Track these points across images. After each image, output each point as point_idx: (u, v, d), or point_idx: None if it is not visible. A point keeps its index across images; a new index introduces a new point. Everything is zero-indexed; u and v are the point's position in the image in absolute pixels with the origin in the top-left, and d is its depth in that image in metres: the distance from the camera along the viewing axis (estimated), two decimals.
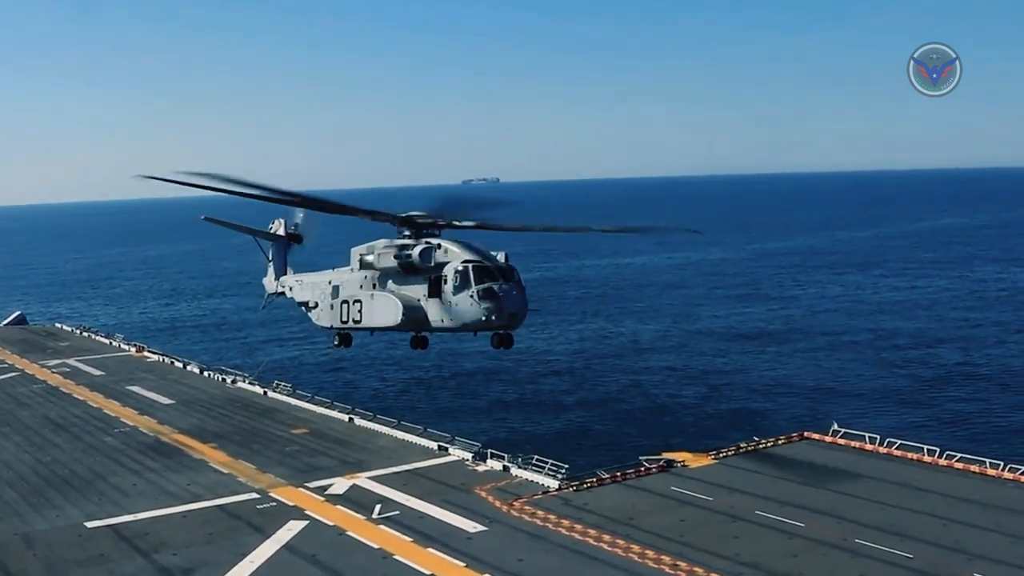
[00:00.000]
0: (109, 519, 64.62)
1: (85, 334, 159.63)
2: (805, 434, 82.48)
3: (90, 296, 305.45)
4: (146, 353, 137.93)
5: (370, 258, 57.09)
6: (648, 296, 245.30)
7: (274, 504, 67.03)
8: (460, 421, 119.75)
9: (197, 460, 79.41)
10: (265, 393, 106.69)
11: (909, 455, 75.14)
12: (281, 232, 69.95)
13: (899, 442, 76.81)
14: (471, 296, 50.07)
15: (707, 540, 58.20)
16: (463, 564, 54.88)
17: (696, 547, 56.84)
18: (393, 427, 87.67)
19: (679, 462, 75.23)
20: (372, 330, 59.45)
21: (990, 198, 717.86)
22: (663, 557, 55.03)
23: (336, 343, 62.08)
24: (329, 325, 61.36)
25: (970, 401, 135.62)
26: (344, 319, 58.74)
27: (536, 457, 73.96)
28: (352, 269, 60.24)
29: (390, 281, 56.13)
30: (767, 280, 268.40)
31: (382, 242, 57.30)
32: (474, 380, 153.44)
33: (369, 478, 72.54)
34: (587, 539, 58.58)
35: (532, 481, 70.76)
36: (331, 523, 62.73)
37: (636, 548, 56.52)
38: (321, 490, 69.84)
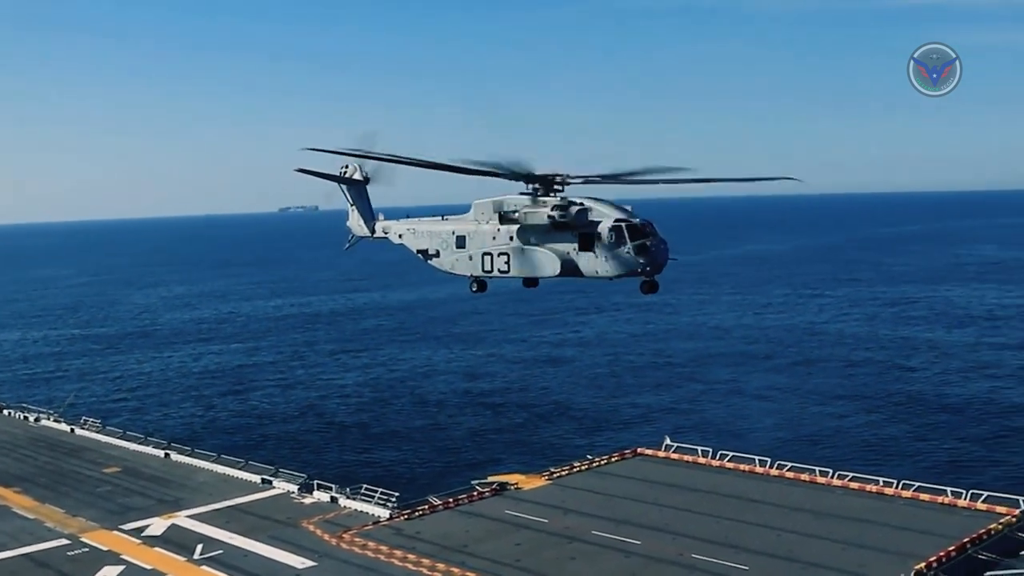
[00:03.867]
0: None
1: None
2: (638, 450, 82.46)
3: None
4: None
5: (516, 214, 60.43)
6: (461, 323, 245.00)
7: (86, 550, 63.15)
8: (284, 452, 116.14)
9: None
10: (72, 430, 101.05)
11: (741, 467, 75.84)
12: (358, 176, 70.80)
13: (731, 454, 77.39)
14: (627, 251, 55.70)
15: (544, 563, 57.19)
16: None
17: (533, 571, 55.80)
18: (213, 461, 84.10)
19: (512, 485, 74.03)
20: (527, 281, 62.88)
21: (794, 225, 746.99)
22: None
23: (475, 289, 64.49)
24: (469, 274, 63.99)
25: (796, 411, 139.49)
26: (487, 269, 62.74)
27: (365, 486, 71.89)
28: (477, 221, 63.32)
29: (534, 236, 59.68)
30: (566, 305, 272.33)
31: (523, 199, 60.28)
32: (297, 409, 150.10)
33: (189, 516, 69.26)
34: (421, 569, 56.75)
35: (362, 511, 68.68)
36: (149, 567, 59.43)
37: None
38: (137, 532, 66.25)
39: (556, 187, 59.45)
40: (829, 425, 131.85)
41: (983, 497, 64.82)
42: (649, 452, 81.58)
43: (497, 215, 61.93)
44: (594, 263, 57.34)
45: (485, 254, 62.84)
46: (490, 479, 75.41)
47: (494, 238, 62.33)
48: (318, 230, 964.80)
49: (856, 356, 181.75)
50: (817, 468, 72.65)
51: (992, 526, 59.95)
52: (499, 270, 62.26)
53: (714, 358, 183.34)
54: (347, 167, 70.32)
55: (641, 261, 55.77)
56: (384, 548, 60.38)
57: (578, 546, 59.76)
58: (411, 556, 58.61)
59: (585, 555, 58.22)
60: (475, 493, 72.06)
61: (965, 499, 65.14)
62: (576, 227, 57.69)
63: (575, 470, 77.91)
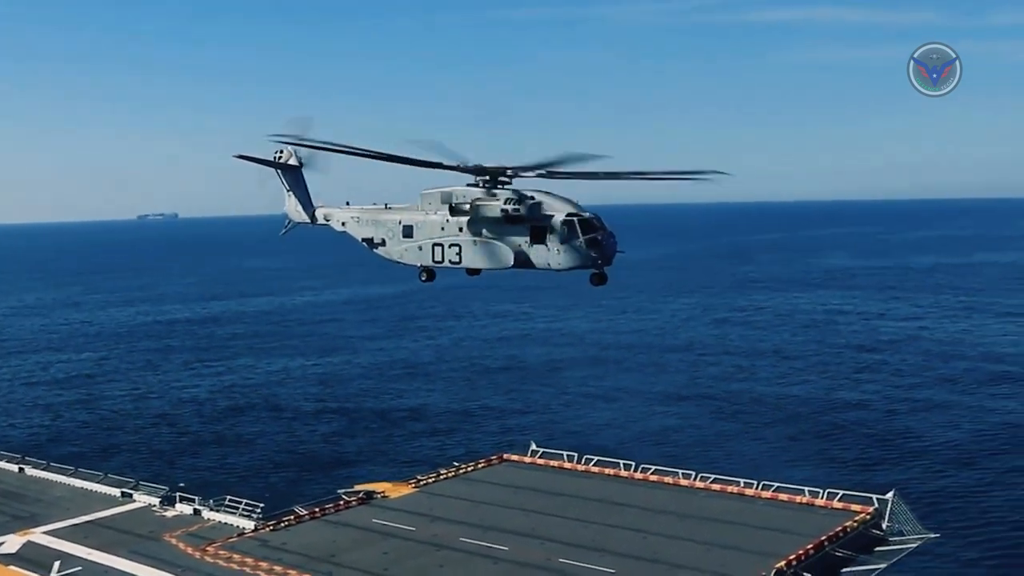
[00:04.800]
0: None
1: None
2: (505, 456, 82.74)
3: None
4: None
5: (467, 206, 61.06)
6: (319, 331, 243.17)
7: None
8: (144, 463, 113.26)
9: None
10: None
11: (606, 471, 76.74)
12: (293, 162, 70.55)
13: (596, 458, 78.27)
14: (579, 244, 57.41)
15: (412, 571, 57.01)
16: None
17: None
18: (70, 475, 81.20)
19: (379, 493, 73.52)
20: (471, 270, 63.63)
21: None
22: None
23: (424, 279, 65.65)
24: (418, 263, 64.93)
25: (660, 415, 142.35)
26: (437, 259, 63.69)
27: (229, 497, 70.43)
28: (425, 211, 64.01)
29: (485, 227, 60.70)
30: (425, 312, 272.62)
31: (473, 191, 61.03)
32: (152, 420, 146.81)
33: (45, 532, 66.73)
34: None
35: (226, 523, 67.20)
36: None
37: None
38: None
39: (504, 180, 60.60)
40: (683, 426, 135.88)
41: (839, 496, 67.03)
42: (515, 458, 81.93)
43: (447, 206, 62.56)
44: (546, 256, 59.00)
45: (435, 244, 63.76)
46: (356, 488, 74.71)
47: (443, 228, 63.19)
48: (177, 238, 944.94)
49: (704, 360, 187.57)
50: (680, 471, 74.10)
51: (848, 524, 62.11)
52: (450, 260, 63.35)
53: (574, 363, 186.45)
54: (282, 152, 70.15)
55: (593, 255, 57.72)
56: (250, 560, 59.25)
57: (446, 553, 59.65)
58: (277, 567, 57.71)
59: (453, 562, 58.18)
60: (341, 502, 71.32)
61: (822, 498, 67.26)
62: (529, 220, 59.10)
63: (442, 477, 77.78)
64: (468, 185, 61.71)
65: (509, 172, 60.05)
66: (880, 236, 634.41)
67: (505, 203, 59.21)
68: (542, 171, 58.89)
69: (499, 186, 60.61)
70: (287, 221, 72.94)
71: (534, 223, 58.99)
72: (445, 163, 58.26)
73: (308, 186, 71.57)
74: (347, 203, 70.06)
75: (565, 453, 79.81)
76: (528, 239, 59.32)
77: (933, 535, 62.96)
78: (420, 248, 64.63)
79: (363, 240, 68.22)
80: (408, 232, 65.26)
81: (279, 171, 71.03)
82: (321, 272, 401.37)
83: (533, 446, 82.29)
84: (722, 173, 59.70)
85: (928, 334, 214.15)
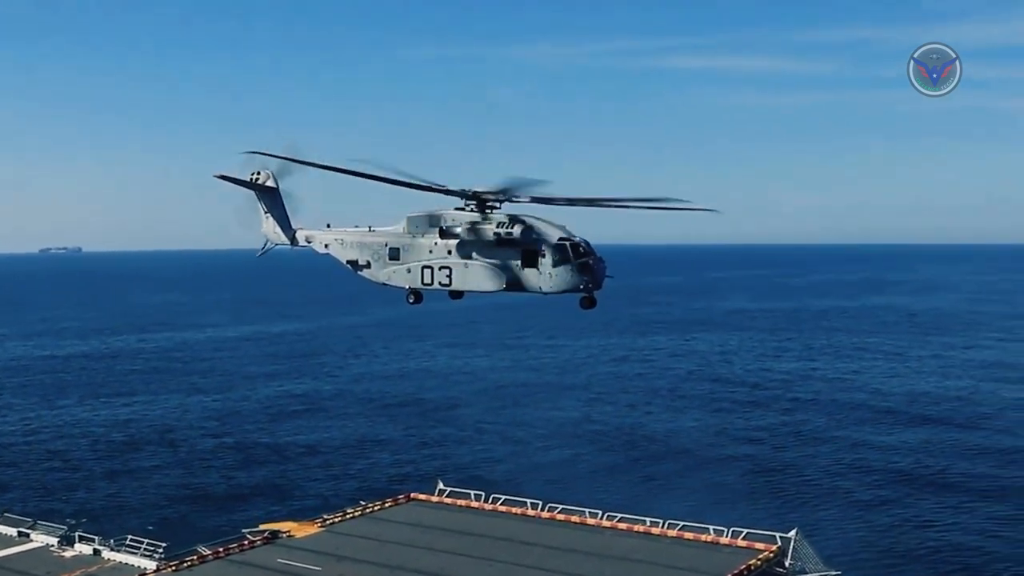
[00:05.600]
0: None
1: None
2: (412, 495, 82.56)
3: None
4: None
5: (457, 229, 61.80)
6: (216, 367, 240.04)
7: None
8: (39, 499, 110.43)
9: None
10: None
11: (513, 510, 77.05)
12: (271, 183, 70.63)
13: (504, 498, 78.56)
14: (571, 269, 58.63)
15: None
16: None
17: None
18: None
19: (284, 532, 72.82)
20: (462, 292, 64.15)
21: None
22: None
23: (411, 301, 65.68)
24: (406, 285, 65.09)
25: (559, 451, 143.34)
26: (427, 282, 64.07)
27: (131, 537, 69.32)
28: (412, 234, 64.63)
29: (475, 250, 61.45)
30: (324, 349, 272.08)
31: (464, 215, 61.68)
32: (48, 454, 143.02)
33: None
34: None
35: (127, 564, 66.26)
36: None
37: None
38: None
39: (492, 205, 61.35)
40: (584, 463, 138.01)
41: (743, 535, 68.31)
42: (423, 497, 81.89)
43: (436, 229, 63.21)
44: (538, 279, 59.95)
45: (425, 267, 64.18)
46: (261, 527, 73.94)
47: (431, 252, 63.83)
48: (79, 271, 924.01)
49: (602, 398, 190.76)
50: (587, 510, 74.73)
51: (752, 562, 63.41)
52: (440, 283, 63.74)
53: (475, 400, 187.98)
54: (258, 174, 70.19)
55: (585, 278, 58.85)
56: None
57: None
58: None
59: None
60: (246, 542, 70.50)
61: (727, 537, 68.48)
62: (521, 244, 59.95)
63: (348, 516, 77.37)
64: (456, 209, 62.38)
65: (501, 197, 60.78)
66: (780, 279, 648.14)
67: (498, 226, 60.12)
68: (529, 197, 59.92)
69: (487, 210, 61.41)
70: (265, 242, 72.73)
71: (526, 247, 59.97)
72: (435, 186, 59.15)
73: (286, 208, 71.56)
74: (328, 225, 70.09)
75: (472, 492, 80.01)
76: (520, 262, 60.30)
77: (835, 572, 64.66)
78: (409, 271, 65.00)
79: (347, 262, 68.40)
80: (395, 255, 65.75)
81: (256, 193, 71.06)
82: (225, 308, 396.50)
83: (440, 485, 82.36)
84: (712, 210, 62.44)
85: (820, 374, 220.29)
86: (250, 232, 72.18)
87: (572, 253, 58.82)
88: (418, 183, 58.71)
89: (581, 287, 59.41)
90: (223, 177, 68.35)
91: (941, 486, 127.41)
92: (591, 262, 59.11)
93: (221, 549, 68.74)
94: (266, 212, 71.90)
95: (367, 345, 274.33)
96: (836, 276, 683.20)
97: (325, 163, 58.01)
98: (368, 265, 67.13)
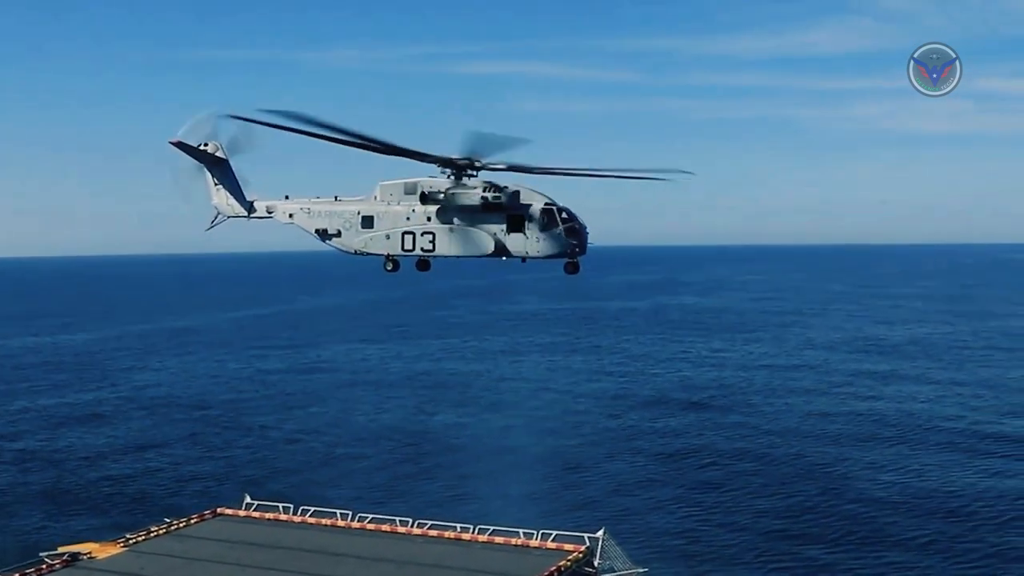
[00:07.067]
0: None
1: None
2: (219, 510, 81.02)
3: None
4: None
5: (440, 195, 62.47)
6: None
7: None
8: None
9: None
10: None
11: (323, 521, 76.74)
12: (221, 154, 69.53)
13: (313, 509, 78.20)
14: (559, 233, 60.08)
15: None
16: None
17: None
18: None
19: (85, 554, 70.40)
20: (447, 257, 64.64)
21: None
22: None
23: (390, 268, 66.25)
24: (385, 252, 65.34)
25: (367, 460, 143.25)
26: (407, 247, 64.46)
27: None
28: (386, 202, 65.16)
29: (459, 216, 62.40)
30: (106, 357, 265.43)
31: (444, 181, 62.47)
32: None
33: None
34: None
35: None
36: None
37: None
38: None
39: (470, 172, 62.08)
40: (387, 470, 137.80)
41: (552, 536, 70.10)
42: (230, 512, 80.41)
43: (414, 196, 63.86)
44: (524, 244, 61.39)
45: (405, 233, 64.63)
46: (60, 549, 71.18)
47: (408, 219, 64.52)
48: None
49: (393, 400, 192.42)
50: (397, 518, 75.26)
51: (561, 563, 65.17)
52: (422, 248, 64.49)
53: (268, 408, 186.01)
54: (207, 144, 69.03)
55: (573, 243, 60.65)
56: None
57: None
58: None
59: None
60: (44, 566, 67.81)
61: (536, 540, 70.11)
62: (507, 208, 61.21)
63: (152, 534, 75.27)
64: (432, 177, 63.21)
65: (477, 164, 61.47)
66: (575, 281, 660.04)
67: (485, 191, 61.25)
68: (505, 165, 60.94)
69: (464, 177, 62.29)
70: (215, 215, 71.63)
71: (511, 211, 61.21)
72: (413, 152, 59.33)
73: (237, 179, 70.78)
74: (286, 197, 69.94)
75: (280, 505, 79.30)
76: (505, 227, 61.52)
77: (642, 569, 67.36)
78: (388, 237, 65.36)
79: (316, 231, 68.30)
80: (368, 223, 66.02)
81: (206, 165, 69.92)
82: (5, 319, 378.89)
83: (248, 499, 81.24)
84: (687, 172, 63.67)
85: (613, 369, 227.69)
86: (191, 203, 71.64)
87: (559, 217, 60.49)
88: (401, 148, 58.79)
89: (567, 252, 61.18)
90: (180, 144, 67.02)
91: (738, 474, 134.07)
92: (577, 226, 60.97)
93: (17, 574, 65.99)
94: (216, 184, 71.16)
95: (156, 353, 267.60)
96: (633, 277, 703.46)
97: (307, 128, 55.28)
98: (338, 234, 67.44)
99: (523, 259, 62.72)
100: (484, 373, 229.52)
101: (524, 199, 61.97)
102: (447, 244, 63.93)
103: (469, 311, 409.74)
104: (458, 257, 64.65)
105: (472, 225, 62.69)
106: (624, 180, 65.68)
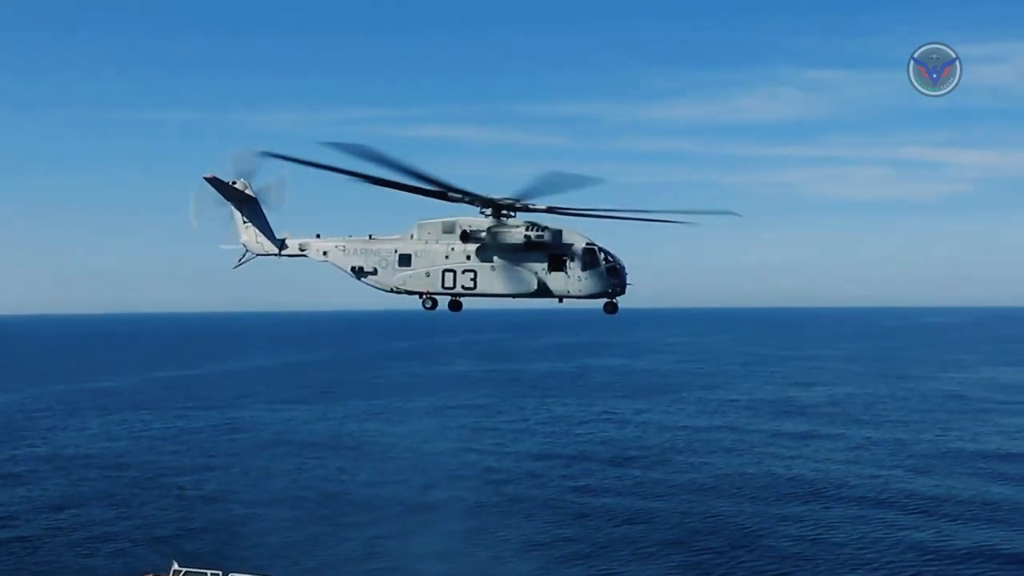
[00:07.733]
0: None
1: None
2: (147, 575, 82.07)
3: None
4: None
5: (481, 233, 63.05)
6: None
7: None
8: None
9: None
10: None
11: None
12: (250, 192, 69.74)
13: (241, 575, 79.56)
14: (600, 272, 61.04)
15: None
16: None
17: None
18: None
19: None
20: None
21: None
22: None
23: (428, 306, 66.27)
24: (424, 290, 65.57)
25: (291, 522, 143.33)
26: (448, 285, 64.72)
27: None
28: (425, 240, 65.61)
29: (499, 255, 62.97)
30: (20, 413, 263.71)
31: (485, 220, 63.19)
32: None
33: None
34: None
35: None
36: None
37: None
38: None
39: (508, 213, 63.11)
40: (309, 528, 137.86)
41: None
42: None
43: (453, 235, 64.49)
44: (566, 283, 62.13)
45: (446, 271, 65.02)
46: None
47: (447, 257, 65.02)
48: None
49: (323, 463, 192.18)
50: None
51: None
52: (463, 286, 64.83)
53: (188, 469, 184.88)
54: (236, 182, 69.30)
55: (614, 282, 61.69)
56: None
57: None
58: None
59: None
60: None
61: None
62: (549, 247, 62.14)
63: None
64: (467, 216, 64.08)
65: (518, 205, 62.58)
66: (505, 343, 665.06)
67: (527, 230, 62.22)
68: (545, 207, 61.96)
69: (502, 217, 63.27)
70: (243, 253, 71.60)
71: (553, 250, 62.16)
72: (454, 190, 59.94)
73: (267, 217, 70.90)
74: (317, 235, 70.19)
75: (209, 572, 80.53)
76: (546, 266, 62.32)
77: None
78: (428, 275, 65.74)
79: (351, 269, 68.43)
80: (405, 260, 66.44)
81: (234, 203, 70.00)
82: None
83: (175, 565, 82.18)
84: (734, 214, 64.90)
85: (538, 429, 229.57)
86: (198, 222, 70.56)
87: (602, 256, 61.84)
88: (438, 188, 59.30)
89: (609, 291, 62.18)
90: (213, 180, 67.28)
91: (653, 529, 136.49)
92: (618, 267, 62.24)
93: None
94: (245, 222, 71.21)
95: (75, 413, 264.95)
96: (560, 339, 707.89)
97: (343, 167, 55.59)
98: (375, 272, 67.82)
99: (560, 299, 63.45)
100: (408, 434, 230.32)
101: (566, 239, 62.89)
102: (489, 282, 64.27)
103: (397, 372, 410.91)
104: (499, 295, 64.89)
105: (514, 264, 63.14)
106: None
